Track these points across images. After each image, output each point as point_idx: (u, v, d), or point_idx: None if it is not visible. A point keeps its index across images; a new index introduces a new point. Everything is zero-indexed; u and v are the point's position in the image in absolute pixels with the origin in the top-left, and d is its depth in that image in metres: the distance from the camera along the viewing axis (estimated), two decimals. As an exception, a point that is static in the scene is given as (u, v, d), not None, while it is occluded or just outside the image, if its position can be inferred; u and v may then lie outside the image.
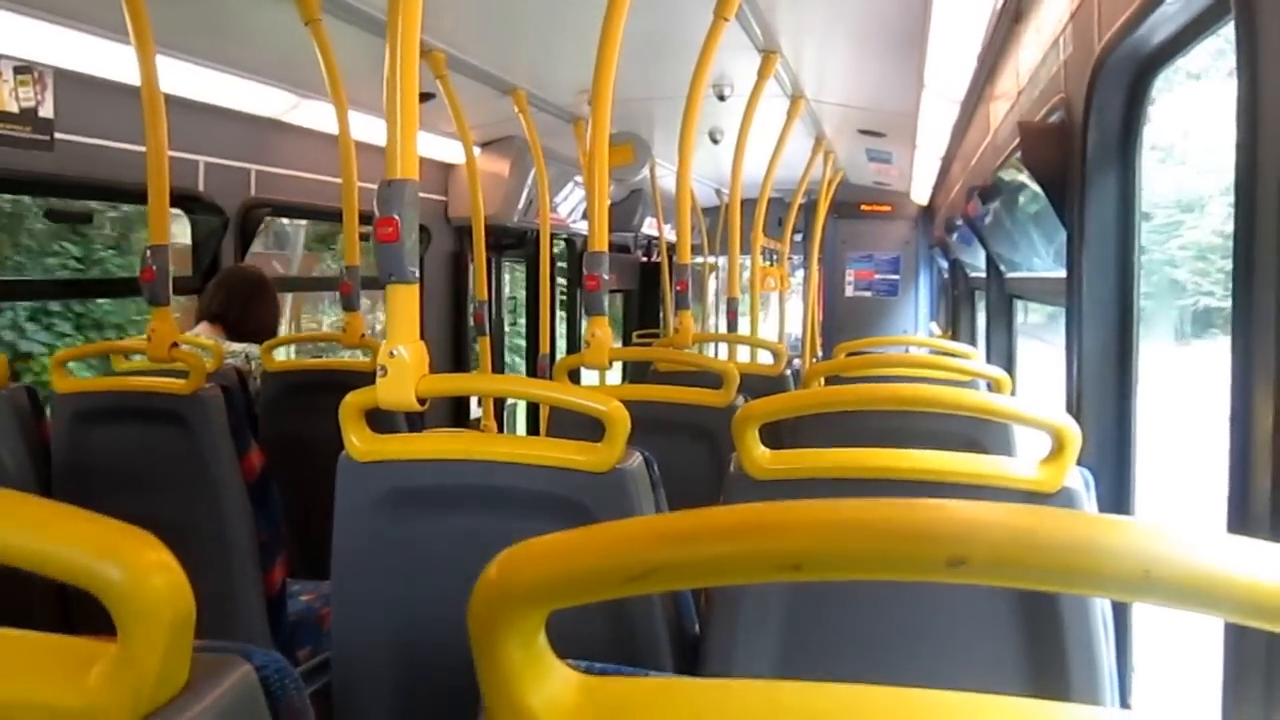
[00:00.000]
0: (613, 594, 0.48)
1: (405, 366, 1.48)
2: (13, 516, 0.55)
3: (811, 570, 0.45)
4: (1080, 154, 1.87)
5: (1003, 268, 3.79)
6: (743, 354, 4.14)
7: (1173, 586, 0.42)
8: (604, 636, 1.41)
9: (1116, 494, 1.86)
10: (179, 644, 0.56)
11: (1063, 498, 1.27)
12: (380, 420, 1.53)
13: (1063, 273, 2.09)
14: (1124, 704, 1.63)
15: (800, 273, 8.49)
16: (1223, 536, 0.43)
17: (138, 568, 0.54)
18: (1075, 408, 1.91)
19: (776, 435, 1.40)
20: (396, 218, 1.48)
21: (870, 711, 0.51)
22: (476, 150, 4.31)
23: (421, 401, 1.50)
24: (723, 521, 0.47)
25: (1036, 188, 2.18)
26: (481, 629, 0.50)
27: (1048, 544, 0.43)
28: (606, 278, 2.28)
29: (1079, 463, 1.30)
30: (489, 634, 0.50)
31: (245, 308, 3.09)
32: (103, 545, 0.54)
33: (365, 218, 3.22)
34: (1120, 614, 1.72)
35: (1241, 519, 1.11)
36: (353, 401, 1.48)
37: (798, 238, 7.71)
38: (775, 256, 7.53)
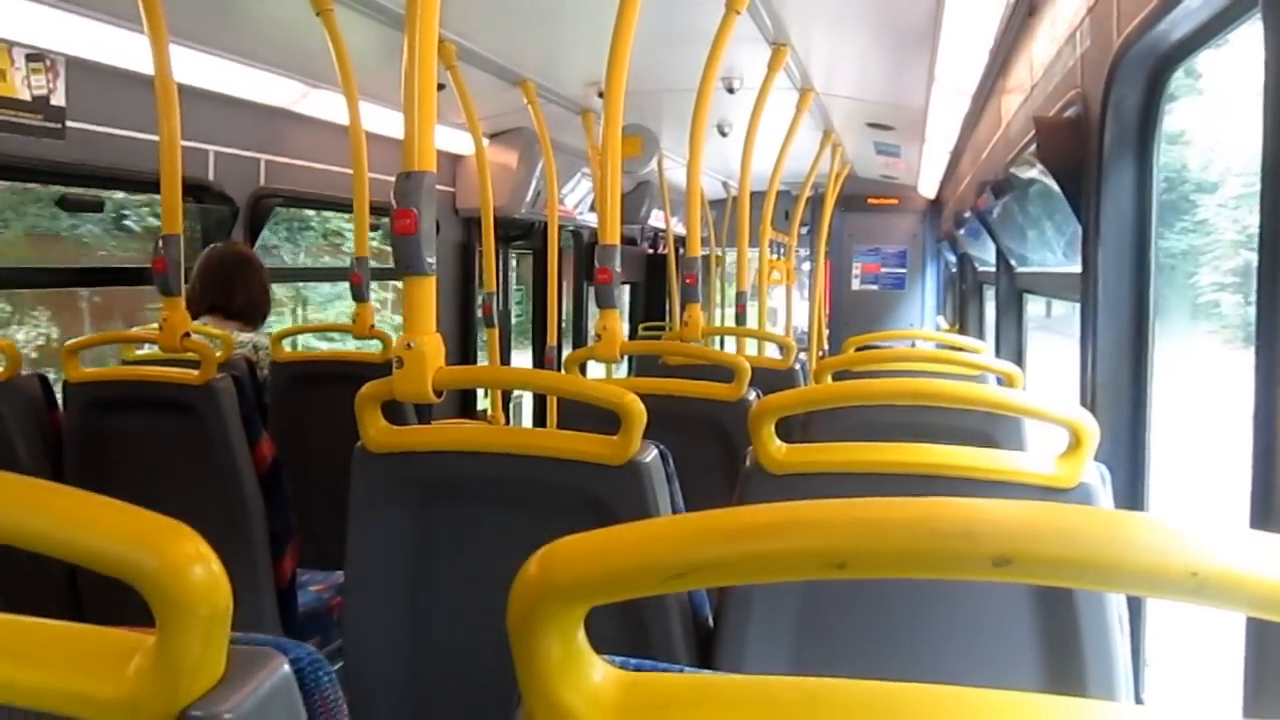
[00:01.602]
0: (653, 591, 0.48)
1: (422, 358, 1.48)
2: (52, 508, 0.55)
3: (856, 569, 0.45)
4: (1097, 149, 1.86)
5: (1013, 262, 3.78)
6: (750, 346, 4.14)
7: (1219, 587, 0.42)
8: (616, 624, 1.41)
9: (1131, 489, 1.86)
10: (216, 636, 0.56)
11: (1080, 493, 1.27)
12: (389, 411, 1.53)
13: (1076, 268, 2.08)
14: (1138, 698, 1.63)
15: (807, 266, 8.49)
16: (1269, 536, 0.43)
17: (177, 560, 0.54)
18: (1090, 402, 1.91)
19: (786, 429, 1.40)
20: (415, 210, 1.48)
21: (909, 709, 0.51)
22: (485, 141, 4.30)
23: (437, 394, 1.50)
24: (766, 519, 0.47)
25: (1050, 182, 2.17)
26: (520, 625, 0.50)
27: (1093, 544, 0.43)
28: (618, 271, 2.28)
29: (1094, 458, 1.30)
30: (528, 630, 0.50)
31: (229, 288, 3.00)
32: (142, 537, 0.54)
33: (374, 208, 3.22)
34: (1134, 607, 1.72)
35: (1265, 515, 1.11)
36: (368, 393, 1.48)
37: (804, 231, 7.70)
38: (782, 249, 7.52)
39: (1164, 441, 1.87)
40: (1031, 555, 0.43)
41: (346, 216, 3.48)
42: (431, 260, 1.52)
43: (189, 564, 0.55)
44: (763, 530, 0.46)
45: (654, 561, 0.47)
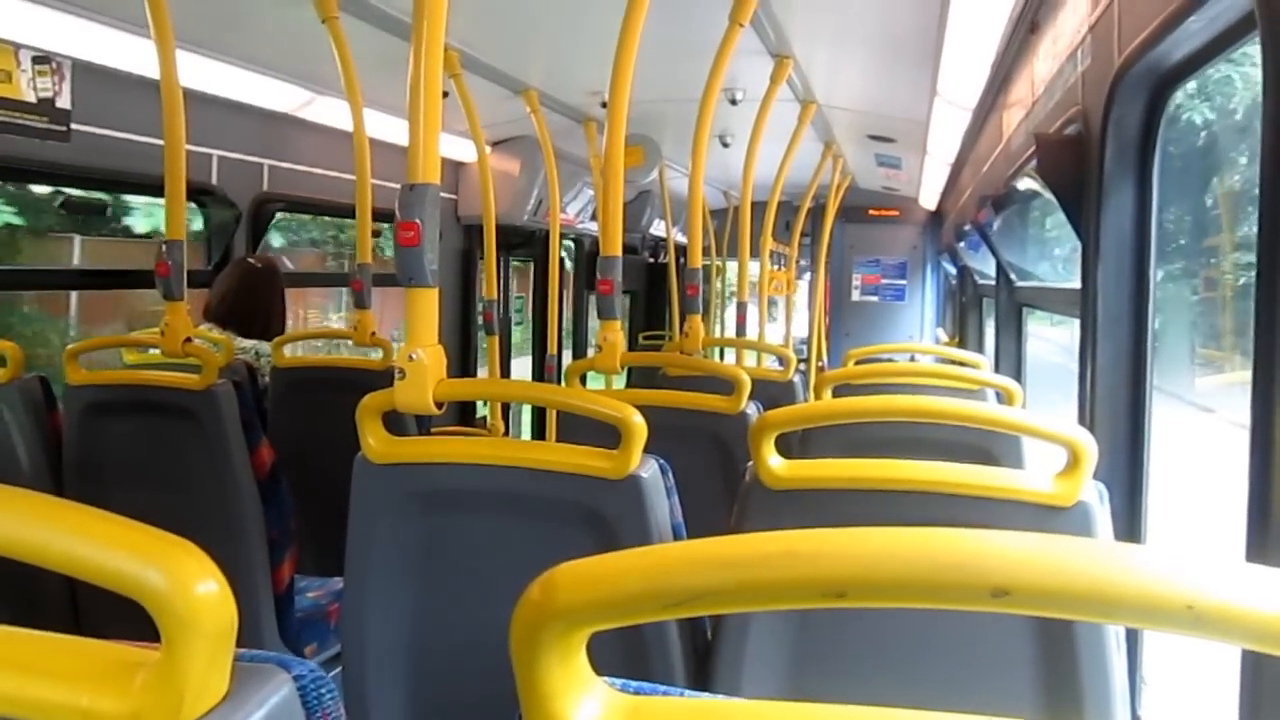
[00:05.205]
0: (656, 617, 0.48)
1: (424, 369, 1.48)
2: (61, 523, 0.55)
3: (856, 597, 0.46)
4: (1097, 166, 1.87)
5: (1013, 276, 3.79)
6: (749, 357, 4.14)
7: (1216, 621, 0.43)
8: (614, 638, 1.41)
9: (1129, 508, 1.86)
10: (221, 654, 0.57)
11: (1078, 512, 1.27)
12: (388, 419, 1.53)
13: (1075, 283, 2.09)
14: (1135, 719, 1.63)
15: (808, 276, 8.49)
16: (1266, 570, 0.44)
17: (184, 577, 0.55)
18: (1089, 420, 1.91)
19: (785, 442, 1.40)
20: (418, 222, 1.48)
21: None
22: (488, 149, 4.31)
23: (439, 405, 1.50)
24: (768, 549, 0.47)
25: (1050, 197, 2.17)
26: (523, 647, 0.50)
27: (1092, 577, 0.44)
28: (619, 282, 2.28)
29: (1093, 476, 1.30)
30: (530, 652, 0.50)
31: (250, 304, 3.06)
32: (150, 554, 0.55)
33: (378, 215, 3.22)
34: (1132, 630, 1.72)
35: (1261, 542, 1.11)
36: (370, 403, 1.48)
37: (805, 241, 7.71)
38: (783, 260, 7.52)
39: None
40: (1030, 588, 0.44)
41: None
42: (435, 271, 1.52)
43: (195, 581, 0.55)
44: (764, 559, 0.47)
45: (657, 589, 0.48)
